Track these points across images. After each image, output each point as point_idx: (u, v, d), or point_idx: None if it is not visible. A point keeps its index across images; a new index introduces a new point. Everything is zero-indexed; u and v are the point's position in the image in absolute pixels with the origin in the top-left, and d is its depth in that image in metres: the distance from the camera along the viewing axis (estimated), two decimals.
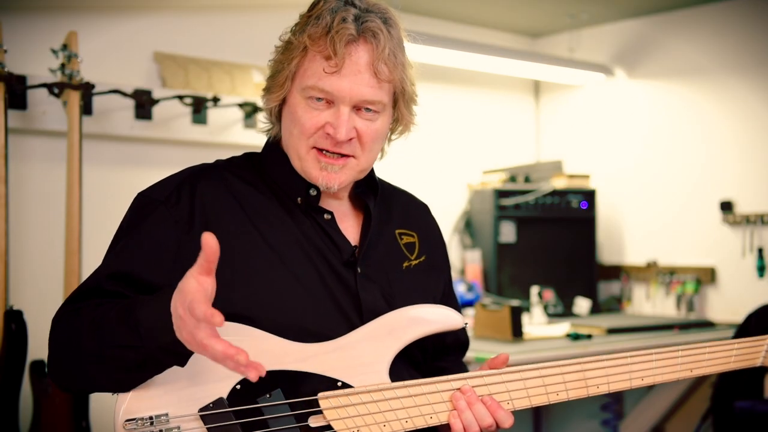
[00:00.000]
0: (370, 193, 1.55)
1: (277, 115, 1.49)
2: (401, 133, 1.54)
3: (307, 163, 1.43)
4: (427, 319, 1.41)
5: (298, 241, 1.44)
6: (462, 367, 1.63)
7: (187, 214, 1.39)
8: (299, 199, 1.47)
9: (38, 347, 2.41)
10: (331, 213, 1.48)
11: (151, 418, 1.27)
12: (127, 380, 1.27)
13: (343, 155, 1.42)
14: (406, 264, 1.56)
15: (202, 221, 1.39)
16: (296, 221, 1.46)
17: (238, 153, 1.59)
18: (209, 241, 1.11)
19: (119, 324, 1.24)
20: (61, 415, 2.41)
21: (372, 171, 1.55)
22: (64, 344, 1.32)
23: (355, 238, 1.51)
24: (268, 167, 1.51)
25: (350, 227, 1.52)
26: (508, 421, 1.38)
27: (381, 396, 1.34)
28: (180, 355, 1.21)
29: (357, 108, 1.41)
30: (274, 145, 1.52)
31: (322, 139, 1.41)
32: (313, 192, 1.47)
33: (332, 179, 1.43)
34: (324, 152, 1.42)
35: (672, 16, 3.96)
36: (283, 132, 1.48)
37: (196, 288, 1.12)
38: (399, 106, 1.48)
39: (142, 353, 1.22)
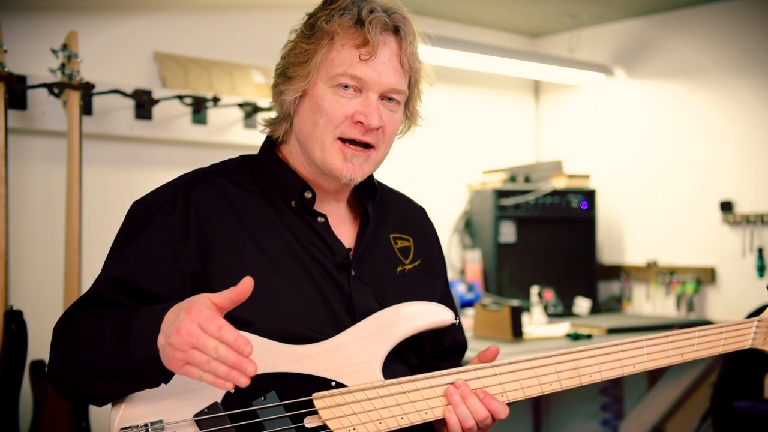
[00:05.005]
0: (369, 196, 1.55)
1: (294, 109, 1.46)
2: (405, 131, 1.55)
3: (330, 155, 1.42)
4: (416, 315, 1.41)
5: (290, 245, 1.44)
6: None
7: (182, 223, 1.39)
8: (293, 202, 1.47)
9: (38, 347, 2.41)
10: (324, 216, 1.48)
11: (146, 425, 1.27)
12: (110, 391, 1.28)
13: (366, 147, 1.43)
14: (400, 268, 1.56)
15: (197, 229, 1.39)
16: (289, 225, 1.45)
17: (239, 153, 1.59)
18: (246, 286, 1.18)
19: (113, 333, 1.25)
20: (61, 415, 2.42)
21: (371, 174, 1.55)
22: (60, 353, 1.33)
23: (351, 242, 1.51)
24: (264, 170, 1.50)
25: (346, 231, 1.52)
26: (503, 412, 1.38)
27: (375, 394, 1.34)
28: (161, 371, 1.21)
29: (381, 97, 1.42)
30: (270, 147, 1.52)
31: (350, 128, 1.41)
32: (308, 195, 1.47)
33: (356, 171, 1.42)
34: (348, 144, 1.42)
35: (672, 16, 3.96)
36: (301, 126, 1.45)
37: (208, 305, 1.17)
38: (411, 100, 1.50)
39: (129, 363, 1.23)
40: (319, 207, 1.48)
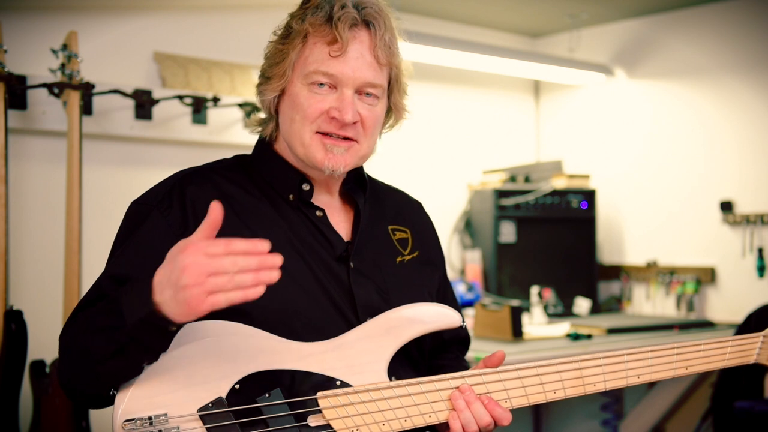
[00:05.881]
0: (360, 189, 1.56)
1: (275, 108, 1.50)
2: (393, 125, 1.56)
3: (311, 149, 1.43)
4: (424, 318, 1.41)
5: (289, 238, 1.45)
6: (463, 364, 1.62)
7: (179, 218, 1.40)
8: (291, 195, 1.47)
9: (38, 347, 2.41)
10: (322, 210, 1.49)
11: (150, 418, 1.26)
12: (106, 374, 1.26)
13: (346, 139, 1.44)
14: (399, 259, 1.57)
15: (195, 223, 1.39)
16: (287, 219, 1.46)
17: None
18: (215, 209, 1.17)
19: (105, 312, 1.26)
20: (61, 415, 2.41)
21: (361, 167, 1.57)
22: (65, 350, 1.33)
23: (347, 234, 1.52)
24: (260, 166, 1.52)
25: (342, 223, 1.53)
26: (506, 418, 1.39)
27: (380, 395, 1.34)
28: (158, 330, 1.20)
29: (358, 93, 1.43)
30: (265, 144, 1.54)
31: (326, 123, 1.42)
32: (305, 187, 1.48)
33: (338, 161, 1.43)
34: (328, 135, 1.43)
35: (672, 16, 3.96)
36: (282, 123, 1.48)
37: (198, 239, 1.17)
38: (393, 94, 1.50)
39: (123, 334, 1.22)
40: (314, 200, 1.50)
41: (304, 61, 1.43)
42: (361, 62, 1.41)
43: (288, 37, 1.45)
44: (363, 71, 1.42)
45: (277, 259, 1.16)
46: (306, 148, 1.44)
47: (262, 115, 1.57)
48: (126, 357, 1.25)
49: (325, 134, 1.43)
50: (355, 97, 1.43)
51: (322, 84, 1.42)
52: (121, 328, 1.22)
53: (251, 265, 1.15)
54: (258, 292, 1.15)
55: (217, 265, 1.13)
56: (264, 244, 1.16)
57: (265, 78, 1.48)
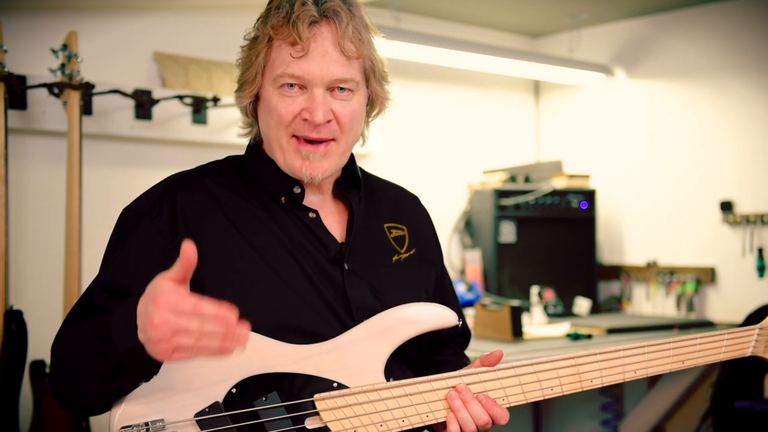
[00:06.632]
0: (354, 188, 1.54)
1: (253, 114, 1.49)
2: (378, 113, 1.54)
3: (289, 155, 1.42)
4: (420, 318, 1.41)
5: (282, 241, 1.44)
6: (462, 360, 1.61)
7: (169, 224, 1.39)
8: (283, 198, 1.46)
9: (38, 347, 2.41)
10: (315, 212, 1.48)
11: (146, 424, 1.26)
12: (103, 393, 1.27)
13: (323, 141, 1.42)
14: (396, 257, 1.55)
15: (185, 229, 1.39)
16: (279, 222, 1.45)
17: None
18: (188, 250, 1.12)
19: (95, 334, 1.25)
20: (61, 415, 2.42)
21: (355, 165, 1.55)
22: (57, 365, 1.33)
23: (341, 234, 1.50)
24: (251, 169, 1.50)
25: (335, 223, 1.51)
26: (503, 417, 1.38)
27: (377, 396, 1.34)
28: (146, 361, 1.18)
29: (330, 89, 1.41)
30: (255, 146, 1.53)
31: (301, 126, 1.40)
32: (297, 190, 1.47)
33: (315, 169, 1.42)
34: (304, 141, 1.42)
35: (672, 16, 3.96)
36: (261, 129, 1.48)
37: (172, 287, 1.12)
38: (371, 84, 1.48)
39: (114, 360, 1.21)
40: (307, 201, 1.48)
41: (271, 65, 1.41)
42: (326, 60, 1.38)
43: (255, 41, 1.44)
44: (330, 68, 1.39)
45: (244, 331, 1.14)
46: (285, 155, 1.42)
47: None
48: (119, 379, 1.25)
49: (301, 140, 1.41)
50: (327, 95, 1.40)
51: (292, 85, 1.40)
52: (111, 355, 1.21)
53: (216, 332, 1.12)
54: (225, 354, 1.14)
55: (182, 326, 1.11)
56: (231, 313, 1.13)
57: (240, 85, 1.47)
